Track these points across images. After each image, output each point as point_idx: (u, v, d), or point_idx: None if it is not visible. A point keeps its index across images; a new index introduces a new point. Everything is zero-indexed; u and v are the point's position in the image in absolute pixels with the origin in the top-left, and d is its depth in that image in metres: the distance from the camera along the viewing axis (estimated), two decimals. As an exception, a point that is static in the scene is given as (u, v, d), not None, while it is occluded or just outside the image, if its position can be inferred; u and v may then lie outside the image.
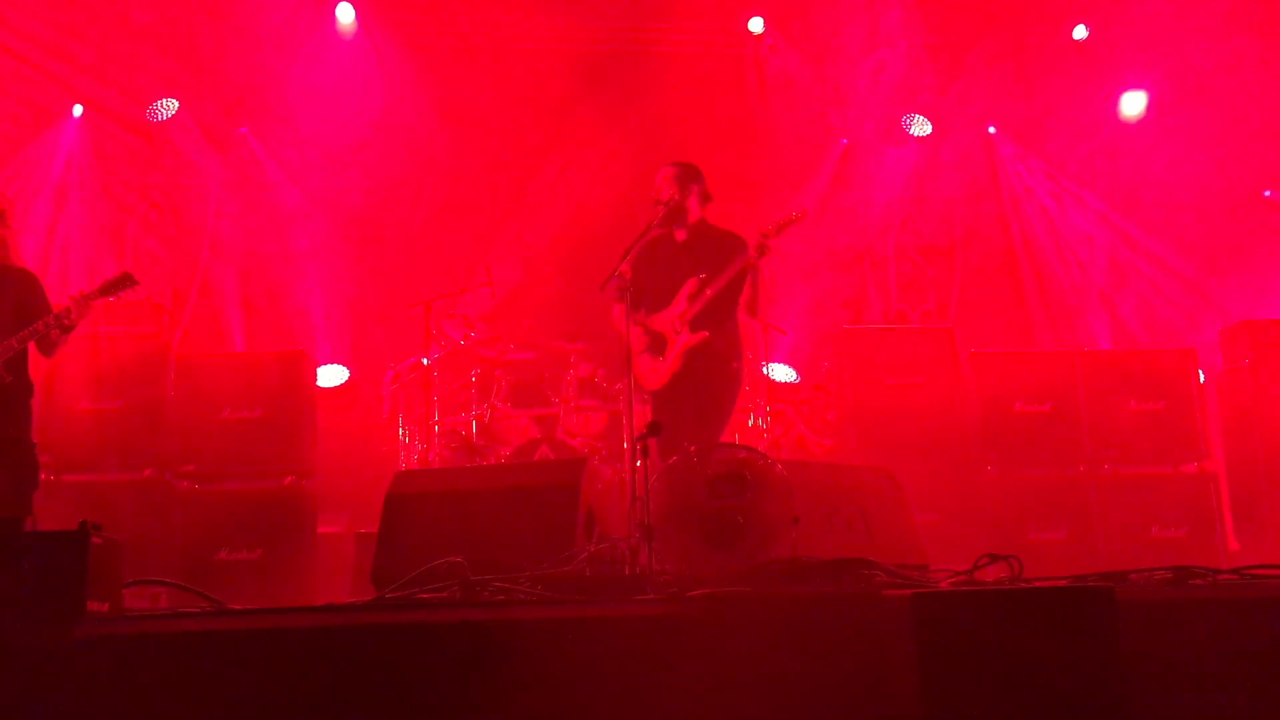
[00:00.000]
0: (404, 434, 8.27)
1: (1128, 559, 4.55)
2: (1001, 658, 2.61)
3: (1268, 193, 9.36)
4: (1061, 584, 3.23)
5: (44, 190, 9.03)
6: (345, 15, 9.42)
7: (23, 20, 8.72)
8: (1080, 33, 9.71)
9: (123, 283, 5.59)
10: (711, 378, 5.88)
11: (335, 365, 9.34)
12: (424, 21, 9.73)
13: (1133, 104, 9.93)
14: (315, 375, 8.21)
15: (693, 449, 4.43)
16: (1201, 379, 8.18)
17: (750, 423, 8.24)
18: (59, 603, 3.07)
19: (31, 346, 5.60)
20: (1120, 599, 2.74)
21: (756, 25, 9.90)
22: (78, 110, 9.32)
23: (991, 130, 10.35)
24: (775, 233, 5.64)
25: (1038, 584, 3.40)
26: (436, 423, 7.91)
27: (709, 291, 5.80)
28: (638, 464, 4.16)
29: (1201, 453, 7.91)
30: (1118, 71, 9.81)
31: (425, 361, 8.00)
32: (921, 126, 10.12)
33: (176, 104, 9.24)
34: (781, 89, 10.02)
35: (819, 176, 10.24)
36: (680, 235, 6.05)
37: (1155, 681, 2.88)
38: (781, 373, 9.18)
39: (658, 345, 5.90)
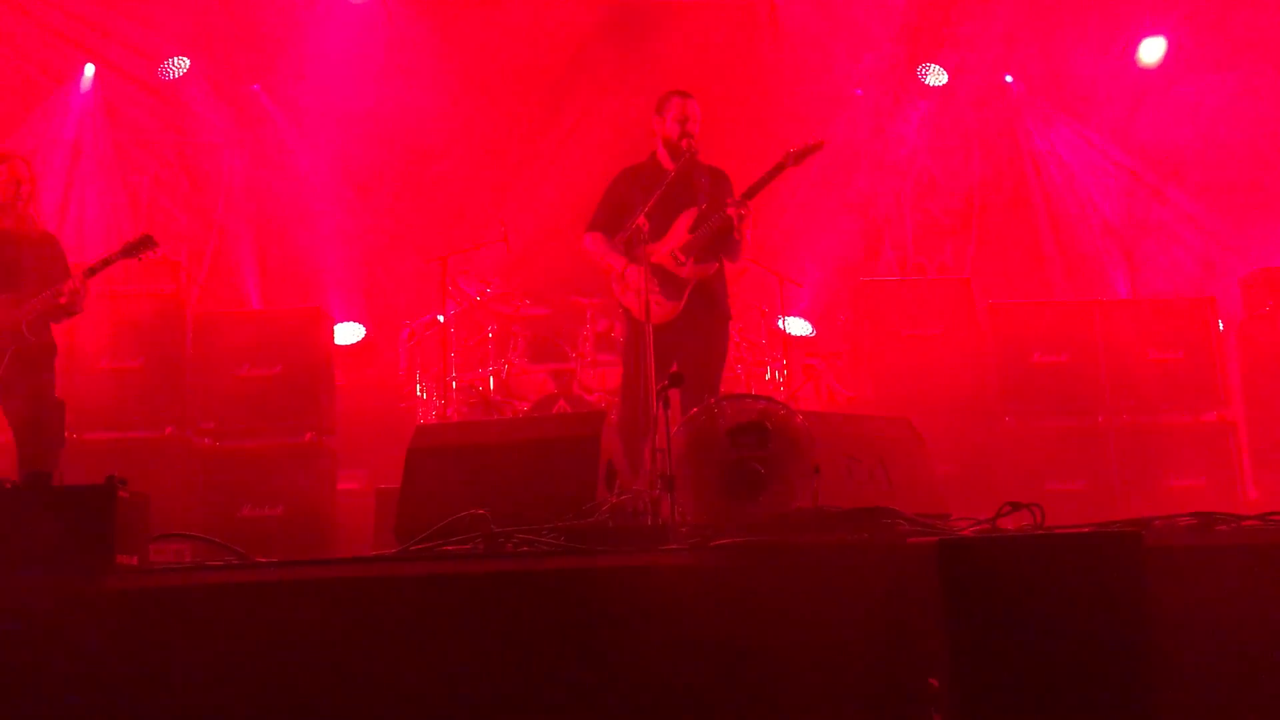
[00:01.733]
0: (421, 390, 8.29)
1: (1147, 508, 4.53)
2: (1029, 604, 2.61)
3: None
4: (1083, 529, 3.22)
5: (58, 150, 9.01)
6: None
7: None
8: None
9: (143, 245, 5.71)
10: (717, 316, 5.80)
11: (352, 322, 9.35)
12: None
13: (1151, 50, 9.79)
14: (333, 332, 8.22)
15: (713, 399, 4.43)
16: (1221, 327, 8.13)
17: (767, 376, 8.25)
18: (88, 555, 3.10)
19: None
20: (1146, 544, 2.73)
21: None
22: (89, 70, 9.30)
23: (1009, 79, 10.22)
24: (795, 161, 5.51)
25: (1061, 530, 3.39)
26: (454, 379, 7.92)
27: (714, 223, 5.60)
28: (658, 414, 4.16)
29: (1221, 401, 7.88)
30: (1136, 16, 9.65)
31: (441, 318, 8.00)
32: (937, 76, 10.01)
33: (188, 61, 9.19)
34: (795, 39, 9.89)
35: (833, 127, 10.14)
36: (670, 166, 5.74)
37: (1182, 627, 2.88)
38: (797, 326, 9.16)
39: (664, 281, 5.62)
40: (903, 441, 4.84)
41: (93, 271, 5.65)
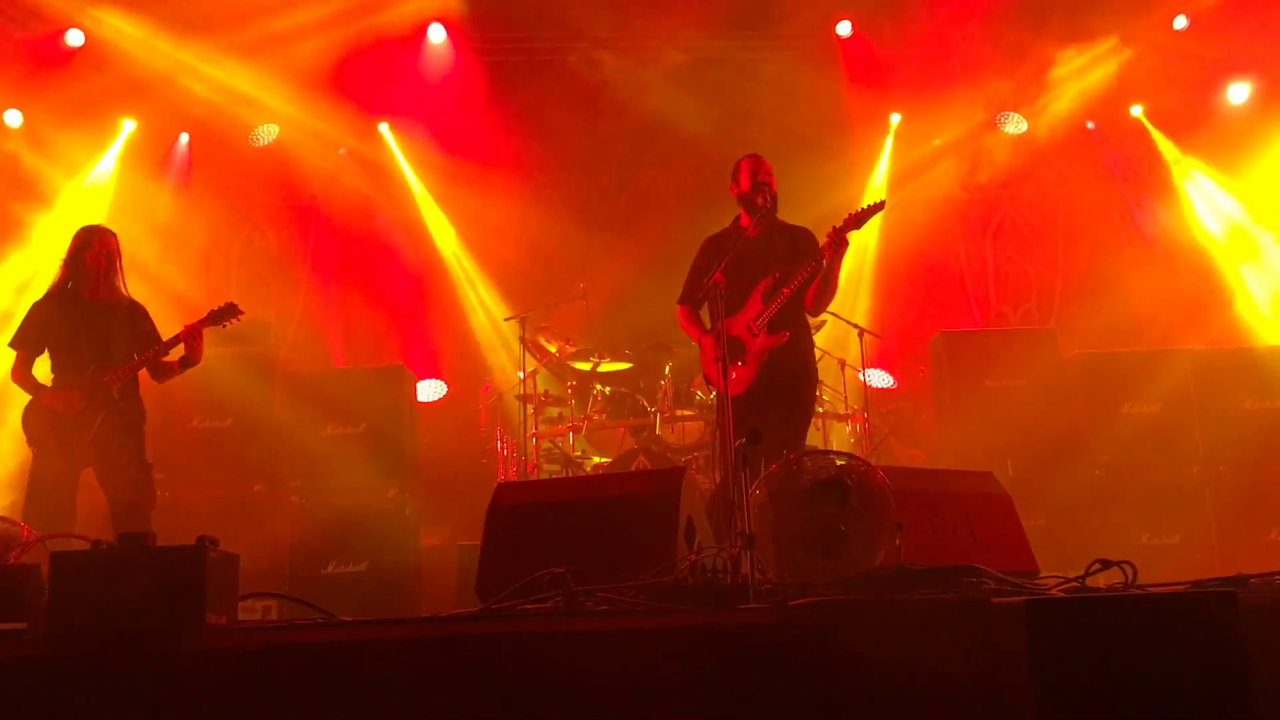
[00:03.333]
0: (502, 447, 8.37)
1: (1246, 563, 4.38)
2: (1119, 666, 2.53)
3: None
4: (1179, 589, 3.12)
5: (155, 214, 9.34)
6: (437, 36, 9.60)
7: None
8: (1180, 22, 9.42)
9: (228, 313, 5.96)
10: (793, 380, 5.75)
11: (434, 380, 9.49)
12: (512, 38, 9.86)
13: (1239, 93, 9.65)
14: (415, 389, 8.35)
15: (793, 455, 4.39)
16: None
17: (848, 430, 8.17)
18: (180, 615, 3.16)
19: (143, 372, 5.98)
20: (1242, 604, 2.63)
21: (844, 29, 9.83)
22: (184, 138, 9.67)
23: (1090, 125, 10.12)
24: (855, 224, 5.50)
25: (1153, 590, 3.29)
26: (534, 435, 7.98)
27: (786, 291, 5.61)
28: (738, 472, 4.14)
29: (1322, 451, 7.61)
30: (1223, 59, 9.51)
31: (521, 375, 8.09)
32: (1017, 125, 9.95)
33: (277, 129, 9.51)
34: (866, 87, 9.91)
35: (914, 176, 10.12)
36: (752, 231, 5.76)
37: (1278, 691, 2.77)
38: (878, 378, 9.07)
39: (735, 350, 5.64)
40: (987, 496, 4.75)
41: (178, 339, 5.86)
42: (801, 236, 5.87)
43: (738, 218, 5.98)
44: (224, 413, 7.54)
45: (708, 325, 5.74)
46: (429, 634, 3.32)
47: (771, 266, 5.72)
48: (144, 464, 5.94)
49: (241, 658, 3.14)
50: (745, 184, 5.83)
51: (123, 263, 6.08)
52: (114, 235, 6.07)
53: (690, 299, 6.00)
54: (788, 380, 5.72)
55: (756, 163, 5.86)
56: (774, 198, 5.79)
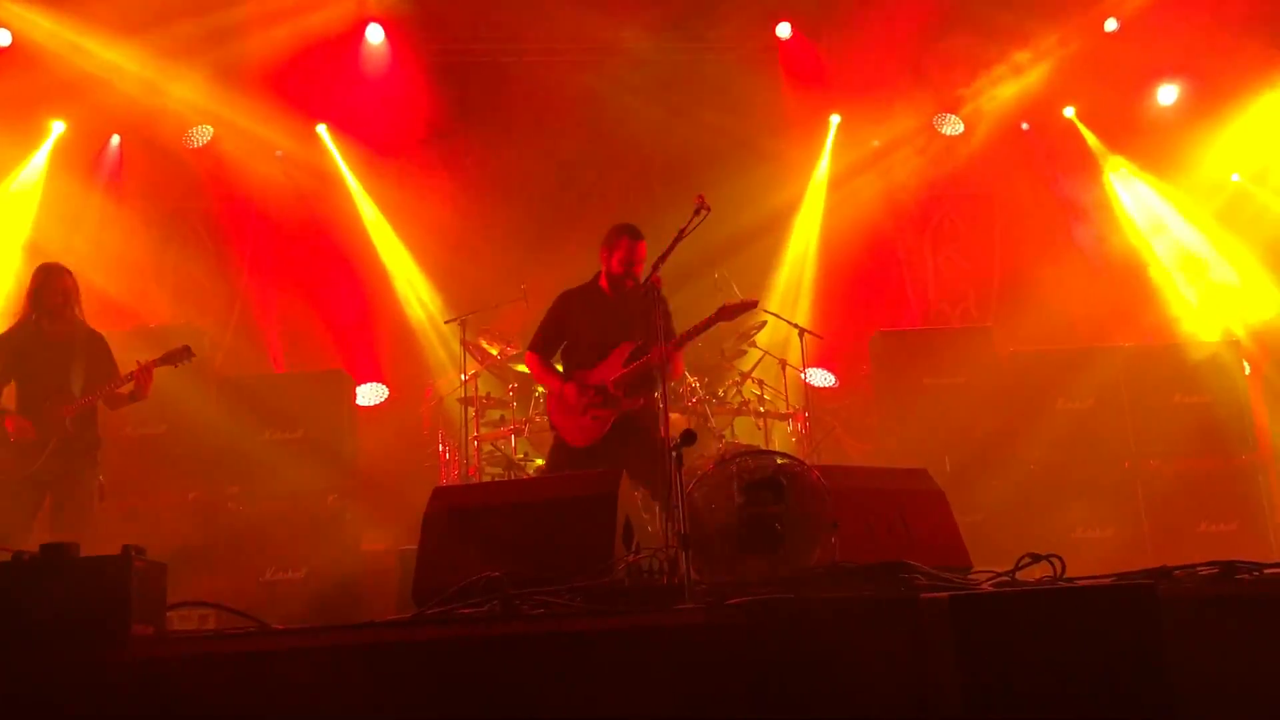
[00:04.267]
0: (444, 450, 8.32)
1: (1177, 555, 4.47)
2: (1042, 659, 2.58)
3: None
4: (1103, 582, 3.18)
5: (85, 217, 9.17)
6: (375, 36, 9.52)
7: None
8: (1111, 25, 9.59)
9: (182, 355, 6.27)
10: (646, 430, 5.85)
11: (375, 383, 9.41)
12: (451, 39, 9.81)
13: (1168, 94, 9.85)
14: (355, 394, 8.27)
15: (728, 456, 4.42)
16: (1247, 370, 8.06)
17: (789, 428, 8.22)
18: (105, 626, 3.11)
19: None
20: (1164, 596, 2.69)
21: (784, 30, 9.90)
22: (115, 140, 9.50)
23: (1024, 126, 10.27)
24: (730, 316, 5.70)
25: (1080, 583, 3.35)
26: (476, 438, 7.94)
27: (643, 362, 5.79)
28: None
29: (1250, 444, 7.79)
30: (1153, 61, 9.70)
31: (463, 378, 8.04)
32: (954, 126, 10.08)
33: (211, 130, 9.37)
34: (806, 89, 9.98)
35: (853, 176, 10.21)
36: (612, 295, 6.08)
37: (1199, 681, 2.83)
38: (820, 377, 9.13)
39: (597, 401, 5.89)
40: (922, 493, 4.80)
41: (131, 377, 6.17)
42: (661, 303, 5.88)
43: (599, 275, 6.18)
44: (158, 419, 7.42)
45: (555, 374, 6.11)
46: (362, 641, 3.30)
47: (633, 332, 5.91)
48: (92, 489, 6.22)
49: (169, 668, 3.10)
50: (617, 267, 6.05)
51: (79, 295, 6.39)
52: (69, 273, 6.38)
53: (540, 349, 6.22)
54: (641, 430, 5.85)
55: (633, 248, 6.02)
56: (637, 283, 5.94)
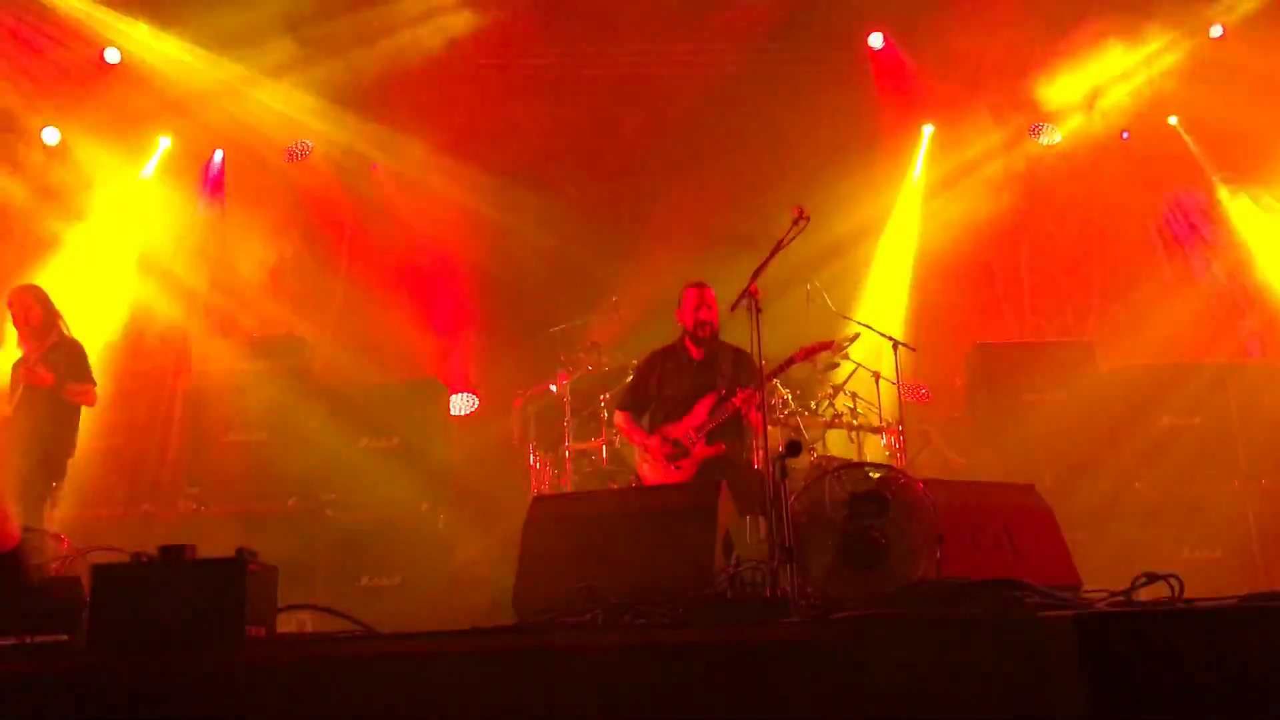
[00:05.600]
0: (535, 460, 8.35)
1: (1292, 577, 4.31)
2: (1173, 681, 2.48)
3: None
4: (1230, 604, 3.06)
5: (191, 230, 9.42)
6: (466, 50, 9.61)
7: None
8: (1216, 31, 9.32)
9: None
10: (730, 474, 5.83)
11: (466, 393, 9.50)
12: (543, 51, 9.88)
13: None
14: (449, 403, 8.34)
15: (833, 468, 4.36)
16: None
17: (883, 442, 8.09)
18: (221, 627, 3.17)
19: (86, 406, 6.90)
20: (1297, 620, 2.58)
21: (876, 40, 9.82)
22: (218, 154, 9.75)
23: (1125, 136, 10.03)
24: (806, 357, 6.11)
25: (1202, 604, 3.23)
26: (567, 448, 7.96)
27: (728, 408, 6.09)
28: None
29: (1366, 464, 7.48)
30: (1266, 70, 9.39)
31: (554, 388, 8.07)
32: (1051, 135, 9.88)
33: (311, 145, 9.57)
34: (898, 99, 9.87)
35: (935, 184, 10.06)
36: (696, 353, 6.44)
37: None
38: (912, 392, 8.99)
39: (676, 452, 6.18)
40: (1029, 508, 4.70)
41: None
42: (743, 360, 6.26)
43: (681, 336, 6.54)
44: (258, 426, 7.56)
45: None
46: (468, 648, 3.31)
47: (717, 382, 6.26)
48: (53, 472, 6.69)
49: (282, 670, 3.14)
50: (688, 321, 6.48)
51: (46, 311, 6.88)
52: (27, 290, 6.94)
53: (629, 408, 6.60)
54: (728, 469, 6.00)
55: (700, 295, 6.44)
56: (714, 329, 6.41)
